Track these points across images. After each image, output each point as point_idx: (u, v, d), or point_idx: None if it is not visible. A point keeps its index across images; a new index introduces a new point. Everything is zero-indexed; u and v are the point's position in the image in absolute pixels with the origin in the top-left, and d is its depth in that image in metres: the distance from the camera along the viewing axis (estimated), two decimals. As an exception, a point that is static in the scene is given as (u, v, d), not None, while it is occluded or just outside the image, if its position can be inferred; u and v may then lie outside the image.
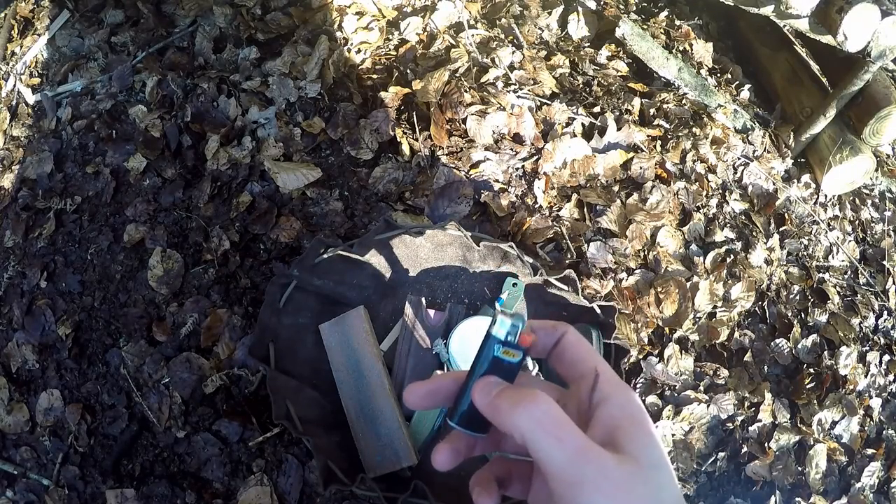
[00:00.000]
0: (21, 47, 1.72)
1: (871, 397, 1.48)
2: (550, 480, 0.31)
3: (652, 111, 1.64)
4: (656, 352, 1.35)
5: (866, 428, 1.44)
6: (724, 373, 1.36)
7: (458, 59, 1.58)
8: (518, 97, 1.54)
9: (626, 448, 0.31)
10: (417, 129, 1.47)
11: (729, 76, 1.86)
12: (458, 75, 1.55)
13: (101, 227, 1.39)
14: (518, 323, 0.36)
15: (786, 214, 1.64)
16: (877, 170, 1.77)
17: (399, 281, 1.25)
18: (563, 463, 0.30)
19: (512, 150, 1.48)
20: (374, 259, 1.21)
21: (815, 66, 1.81)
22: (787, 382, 1.44)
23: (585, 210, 1.44)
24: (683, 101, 1.69)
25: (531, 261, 1.20)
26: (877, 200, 1.82)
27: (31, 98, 1.62)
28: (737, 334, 1.43)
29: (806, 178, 1.72)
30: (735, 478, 1.31)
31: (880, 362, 1.53)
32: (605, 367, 0.36)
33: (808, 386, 1.42)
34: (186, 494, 1.14)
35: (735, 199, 1.60)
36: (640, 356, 1.34)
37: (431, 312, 1.21)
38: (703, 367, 1.36)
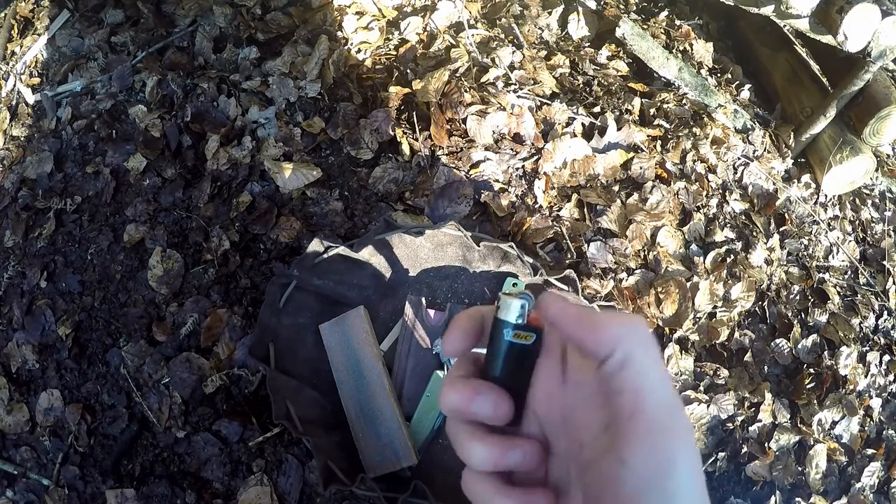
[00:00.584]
0: (21, 47, 1.72)
1: (871, 397, 1.48)
2: (633, 418, 0.27)
3: (652, 111, 1.64)
4: (656, 352, 1.34)
5: (866, 428, 1.44)
6: (724, 373, 1.36)
7: (458, 58, 1.58)
8: (518, 97, 1.54)
9: None
10: (417, 129, 1.47)
11: (729, 76, 1.86)
12: (458, 75, 1.55)
13: (101, 227, 1.39)
14: (525, 301, 0.33)
15: (786, 214, 1.64)
16: (877, 170, 1.77)
17: (399, 281, 1.25)
18: (663, 402, 0.27)
19: (512, 150, 1.48)
20: (374, 259, 1.21)
21: (815, 66, 1.81)
22: (787, 382, 1.43)
23: (585, 210, 1.44)
24: (683, 101, 1.69)
25: (531, 261, 1.20)
26: (877, 200, 1.82)
27: (31, 98, 1.62)
28: (737, 334, 1.43)
29: (806, 178, 1.72)
30: (735, 478, 1.31)
31: (880, 362, 1.52)
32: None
33: (808, 386, 1.42)
34: (186, 494, 1.14)
35: (735, 199, 1.60)
36: (640, 356, 1.33)
37: (431, 312, 1.21)
38: (703, 367, 1.36)
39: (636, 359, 0.28)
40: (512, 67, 1.61)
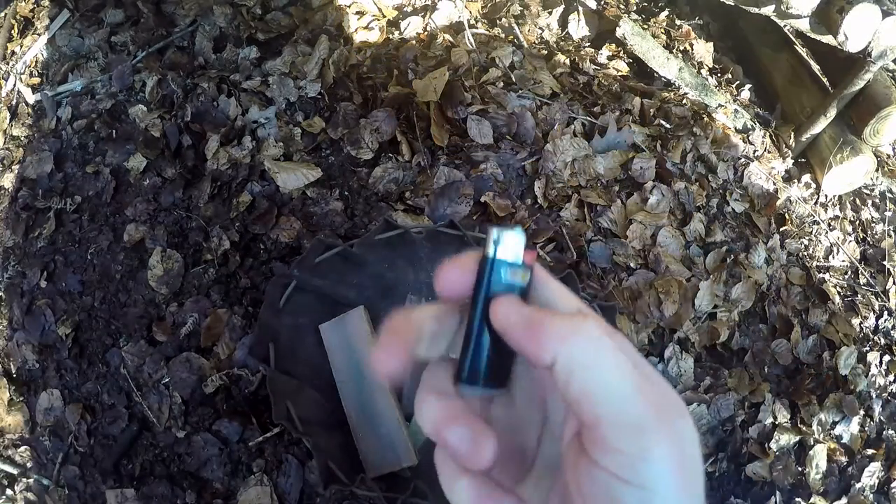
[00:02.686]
0: (21, 47, 1.71)
1: (871, 397, 1.48)
2: (597, 427, 0.25)
3: (652, 111, 1.64)
4: (657, 352, 1.35)
5: (866, 428, 1.44)
6: (724, 373, 1.36)
7: (458, 58, 1.58)
8: (518, 97, 1.54)
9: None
10: (417, 129, 1.47)
11: (729, 76, 1.86)
12: (458, 75, 1.55)
13: (101, 227, 1.39)
14: (520, 236, 0.28)
15: (786, 214, 1.64)
16: (877, 170, 1.77)
17: (399, 281, 1.25)
18: (625, 399, 0.24)
19: (512, 150, 1.48)
20: (374, 259, 1.21)
21: (815, 67, 1.81)
22: (787, 382, 1.43)
23: (585, 210, 1.44)
24: (684, 101, 1.69)
25: (531, 261, 1.20)
26: (877, 200, 1.82)
27: (31, 98, 1.61)
28: (737, 334, 1.43)
29: (806, 178, 1.72)
30: (735, 478, 1.31)
31: (880, 362, 1.52)
32: (588, 309, 0.30)
33: (808, 386, 1.42)
34: (186, 494, 1.14)
35: (735, 199, 1.60)
36: (641, 356, 1.33)
37: (431, 312, 1.21)
38: (703, 367, 1.36)
39: (582, 364, 0.25)
40: (512, 67, 1.61)
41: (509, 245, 0.28)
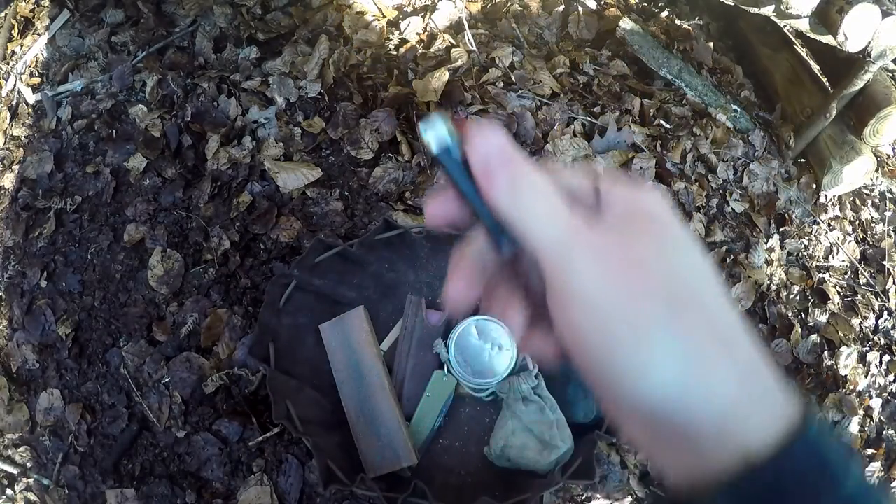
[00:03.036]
0: (21, 47, 1.71)
1: (871, 397, 1.48)
2: (536, 249, 0.28)
3: (652, 111, 1.64)
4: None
5: (866, 428, 1.44)
6: (725, 373, 1.36)
7: (458, 59, 1.58)
8: (518, 97, 1.54)
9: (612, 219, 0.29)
10: (418, 129, 1.47)
11: (729, 76, 1.86)
12: (458, 75, 1.55)
13: (101, 227, 1.39)
14: (439, 116, 0.31)
15: (786, 214, 1.64)
16: (877, 170, 1.77)
17: (399, 281, 1.25)
18: (544, 225, 0.28)
19: (512, 150, 1.47)
20: (374, 259, 1.21)
21: (815, 67, 1.81)
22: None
23: (585, 210, 1.44)
24: (684, 101, 1.69)
25: (531, 261, 1.20)
26: (877, 200, 1.82)
27: (31, 98, 1.62)
28: (737, 334, 1.43)
29: (806, 178, 1.72)
30: (735, 478, 1.31)
31: (880, 362, 1.52)
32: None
33: (808, 386, 1.42)
34: (186, 494, 1.14)
35: (735, 199, 1.60)
36: (641, 356, 1.33)
37: (431, 312, 1.21)
38: (703, 368, 1.36)
39: (529, 218, 0.28)
40: (512, 67, 1.61)
41: (440, 129, 0.31)
